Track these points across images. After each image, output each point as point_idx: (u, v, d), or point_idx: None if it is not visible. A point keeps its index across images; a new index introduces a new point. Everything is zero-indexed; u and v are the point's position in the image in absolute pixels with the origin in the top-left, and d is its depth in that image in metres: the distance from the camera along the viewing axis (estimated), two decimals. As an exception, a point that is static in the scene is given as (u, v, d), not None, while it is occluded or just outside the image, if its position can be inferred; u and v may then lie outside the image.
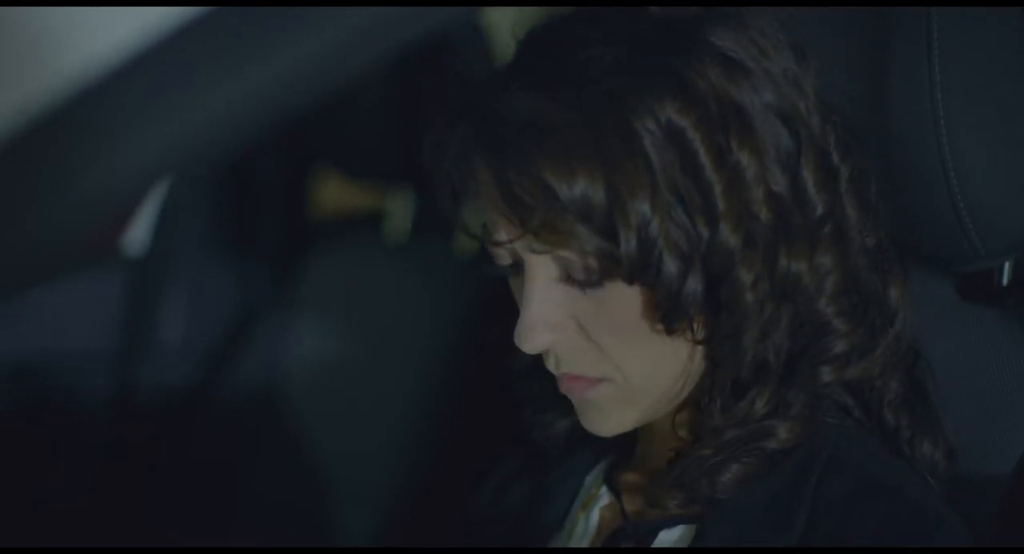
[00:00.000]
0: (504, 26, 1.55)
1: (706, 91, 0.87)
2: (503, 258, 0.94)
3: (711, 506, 0.93)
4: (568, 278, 0.91)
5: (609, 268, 0.88)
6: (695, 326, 0.91)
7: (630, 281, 0.88)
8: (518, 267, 0.94)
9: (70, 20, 0.63)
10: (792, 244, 0.90)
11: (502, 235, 0.91)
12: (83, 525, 1.77)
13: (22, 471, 1.75)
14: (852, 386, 0.97)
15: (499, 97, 0.89)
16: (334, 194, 2.01)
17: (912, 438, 0.97)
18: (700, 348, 0.93)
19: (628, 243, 0.86)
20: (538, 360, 0.98)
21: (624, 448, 1.06)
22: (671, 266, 0.87)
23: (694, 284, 0.88)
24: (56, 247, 0.63)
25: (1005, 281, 1.05)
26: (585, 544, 1.02)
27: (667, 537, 0.96)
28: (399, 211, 1.81)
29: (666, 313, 0.89)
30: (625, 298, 0.90)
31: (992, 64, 0.98)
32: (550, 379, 0.98)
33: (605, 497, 1.03)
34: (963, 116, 0.97)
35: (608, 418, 0.96)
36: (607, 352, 0.92)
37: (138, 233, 1.83)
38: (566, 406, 1.01)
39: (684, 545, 0.95)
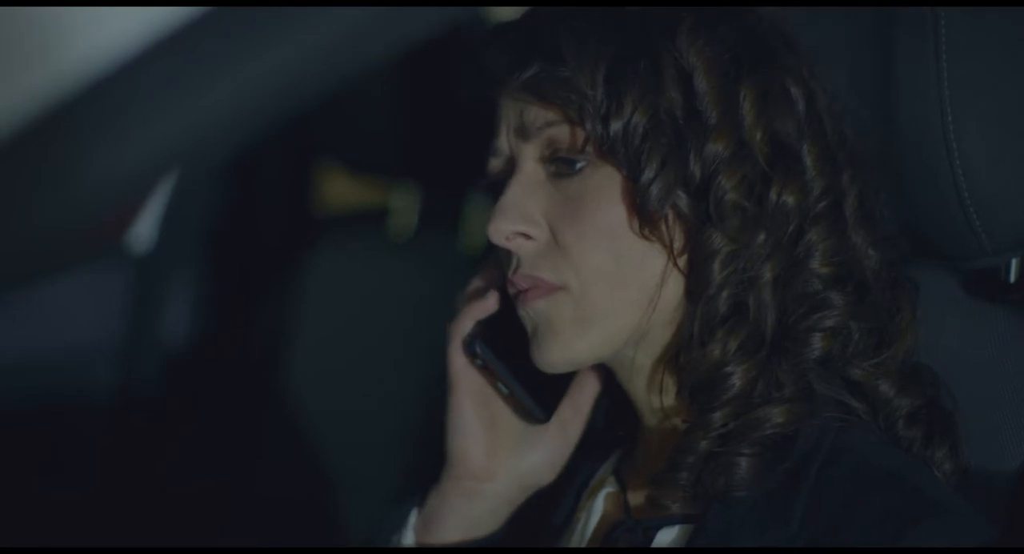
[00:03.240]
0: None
1: (727, 33, 0.94)
2: (497, 168, 0.99)
3: (710, 501, 0.93)
4: (551, 160, 0.95)
5: (596, 142, 0.93)
6: (672, 236, 0.93)
7: (614, 166, 0.93)
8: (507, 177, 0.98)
9: (75, 17, 0.63)
10: (787, 181, 0.93)
11: (510, 132, 0.97)
12: (87, 520, 1.78)
13: (25, 466, 1.75)
14: (858, 391, 0.96)
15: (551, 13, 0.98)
16: (339, 190, 2.02)
17: (924, 449, 0.96)
18: (673, 278, 0.93)
19: (617, 121, 0.92)
20: None
21: (635, 442, 1.05)
22: (656, 150, 0.91)
23: (672, 177, 0.91)
24: (60, 240, 0.63)
25: (1012, 278, 1.04)
26: (589, 530, 1.02)
27: (666, 535, 0.96)
28: (404, 207, 1.81)
29: (640, 204, 0.91)
30: (600, 187, 0.94)
31: (999, 60, 0.97)
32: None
33: (612, 484, 1.03)
34: (970, 113, 0.97)
35: (559, 338, 0.95)
36: (572, 256, 0.94)
37: (144, 229, 1.83)
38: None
39: (682, 543, 0.94)
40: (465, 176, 1.72)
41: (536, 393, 1.02)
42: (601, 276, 0.94)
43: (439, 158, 1.75)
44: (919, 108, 0.98)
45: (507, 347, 1.01)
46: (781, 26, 0.98)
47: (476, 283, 1.06)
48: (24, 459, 1.75)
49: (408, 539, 1.05)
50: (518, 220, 0.95)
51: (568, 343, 0.95)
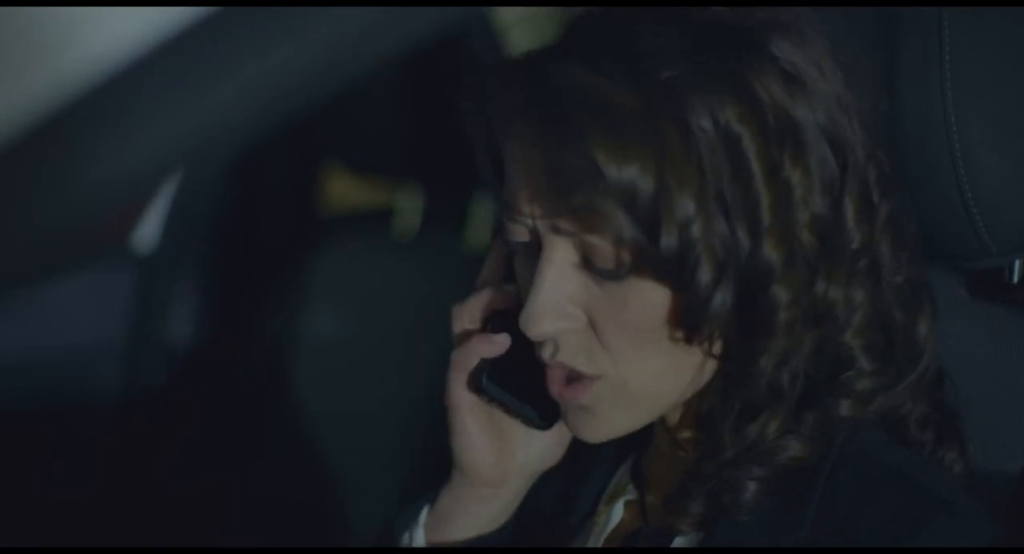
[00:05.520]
0: (515, 24, 1.55)
1: (767, 103, 0.86)
2: (520, 234, 0.91)
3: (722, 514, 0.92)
4: (587, 265, 0.88)
5: (642, 262, 0.86)
6: (714, 340, 0.89)
7: (662, 280, 0.86)
8: (531, 247, 0.91)
9: (78, 17, 0.63)
10: (831, 270, 0.88)
11: (535, 210, 0.88)
12: (88, 520, 1.77)
13: (27, 465, 1.75)
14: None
15: (556, 67, 0.87)
16: (343, 190, 2.02)
17: (933, 452, 0.96)
18: (711, 362, 0.91)
19: (669, 238, 0.84)
20: None
21: (650, 445, 1.04)
22: (707, 271, 0.85)
23: (725, 295, 0.86)
24: (62, 240, 0.63)
25: (1015, 279, 1.04)
26: (605, 535, 1.01)
27: (682, 538, 0.95)
28: (408, 207, 1.81)
29: (691, 321, 0.87)
30: (647, 299, 0.88)
31: (1003, 60, 0.97)
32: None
33: (631, 492, 1.02)
34: (973, 113, 0.96)
35: (598, 423, 0.93)
36: (611, 351, 0.89)
37: (148, 229, 1.83)
38: None
39: (696, 545, 0.94)
40: (469, 176, 1.72)
41: (537, 406, 1.01)
42: (642, 371, 0.90)
43: (443, 158, 1.75)
44: (922, 108, 0.97)
45: (509, 372, 0.99)
46: (813, 52, 0.89)
47: (476, 305, 1.01)
48: (26, 459, 1.74)
49: (419, 537, 1.04)
50: (557, 321, 0.89)
51: (607, 423, 0.93)
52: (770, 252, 0.86)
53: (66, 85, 0.61)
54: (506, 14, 1.60)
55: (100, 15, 0.62)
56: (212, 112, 0.61)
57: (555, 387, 0.92)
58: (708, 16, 0.88)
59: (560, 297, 0.89)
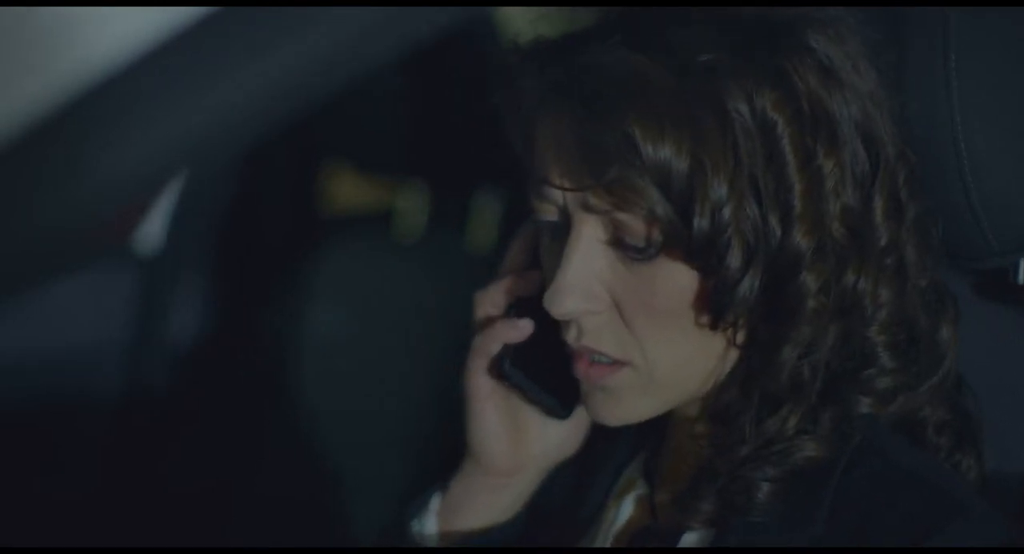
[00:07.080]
0: (517, 23, 1.55)
1: (803, 92, 0.87)
2: (548, 213, 0.92)
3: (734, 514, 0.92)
4: (616, 244, 0.89)
5: (672, 242, 0.87)
6: (739, 326, 0.89)
7: (691, 262, 0.87)
8: (559, 226, 0.92)
9: (80, 17, 0.62)
10: (861, 262, 0.89)
11: (566, 186, 0.89)
12: (89, 520, 1.78)
13: (27, 465, 1.75)
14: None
15: (594, 47, 0.88)
16: (347, 190, 2.02)
17: (949, 457, 0.96)
18: (734, 351, 0.91)
19: (701, 220, 0.85)
20: None
21: (664, 438, 1.04)
22: (737, 255, 0.86)
23: (753, 280, 0.87)
24: (62, 240, 0.63)
25: (1020, 279, 1.04)
26: (614, 532, 1.01)
27: (691, 536, 0.95)
28: (411, 207, 1.81)
29: (718, 306, 0.87)
30: (675, 280, 0.89)
31: (1009, 60, 0.97)
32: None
33: (641, 487, 1.02)
34: (979, 112, 0.96)
35: (619, 406, 0.94)
36: (637, 335, 0.90)
37: (150, 230, 1.83)
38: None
39: (706, 544, 0.94)
40: (471, 176, 1.72)
41: (557, 393, 1.01)
42: (668, 357, 0.91)
43: (445, 157, 1.75)
44: (928, 108, 0.97)
45: (531, 357, 0.99)
46: (849, 48, 0.90)
47: (498, 291, 1.01)
48: (26, 459, 1.74)
49: (430, 525, 1.04)
50: (582, 300, 0.90)
51: (629, 407, 0.94)
52: (800, 239, 0.87)
53: (66, 85, 0.61)
54: (511, 15, 1.59)
55: (101, 15, 0.62)
56: (212, 112, 0.61)
57: (581, 366, 0.93)
58: (744, 12, 0.89)
59: (587, 275, 0.90)
